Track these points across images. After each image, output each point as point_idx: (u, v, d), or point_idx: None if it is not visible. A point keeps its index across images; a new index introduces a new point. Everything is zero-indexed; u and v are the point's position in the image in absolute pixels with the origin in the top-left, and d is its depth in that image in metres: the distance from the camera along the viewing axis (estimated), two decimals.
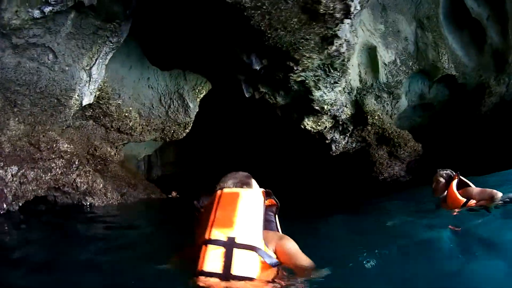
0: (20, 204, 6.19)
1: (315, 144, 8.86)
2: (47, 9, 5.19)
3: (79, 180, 7.06)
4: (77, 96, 6.58)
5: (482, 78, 8.45)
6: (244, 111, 11.28)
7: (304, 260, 1.96)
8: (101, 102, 7.39)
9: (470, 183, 4.38)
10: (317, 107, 7.56)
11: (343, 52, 6.48)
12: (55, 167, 6.60)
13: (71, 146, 6.95)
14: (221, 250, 1.83)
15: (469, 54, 8.53)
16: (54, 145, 6.55)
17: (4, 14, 4.94)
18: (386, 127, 8.29)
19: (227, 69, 7.73)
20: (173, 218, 6.49)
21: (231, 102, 10.65)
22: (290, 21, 5.59)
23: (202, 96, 8.78)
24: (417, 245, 2.99)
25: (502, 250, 2.60)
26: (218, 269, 1.80)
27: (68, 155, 6.81)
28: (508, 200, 3.95)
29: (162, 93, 8.52)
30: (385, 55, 7.98)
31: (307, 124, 7.97)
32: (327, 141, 8.46)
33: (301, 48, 6.12)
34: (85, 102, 6.81)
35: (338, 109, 7.85)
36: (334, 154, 8.61)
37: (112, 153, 8.13)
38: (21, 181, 6.12)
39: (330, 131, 8.35)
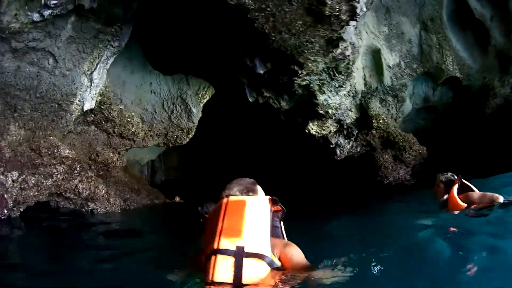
0: (22, 210, 6.14)
1: (319, 148, 8.77)
2: (47, 13, 5.14)
3: (81, 186, 7.00)
4: (78, 101, 6.53)
5: (486, 80, 8.36)
6: (248, 116, 11.20)
7: (307, 267, 1.97)
8: (102, 107, 7.30)
9: (473, 187, 4.31)
10: (321, 111, 7.49)
11: (348, 55, 6.41)
12: (56, 173, 6.53)
13: (73, 152, 6.88)
14: (231, 260, 1.83)
15: (473, 55, 8.45)
16: (55, 151, 6.49)
17: (3, 17, 4.90)
18: (391, 130, 8.21)
19: (231, 74, 7.67)
20: (177, 224, 6.43)
21: (235, 107, 10.59)
22: (295, 24, 5.51)
23: (205, 101, 8.72)
24: (418, 246, 3.01)
25: (502, 251, 2.61)
26: (229, 278, 1.80)
27: (70, 161, 6.74)
28: (510, 202, 3.91)
29: (164, 98, 8.45)
30: (389, 58, 7.90)
31: (312, 129, 7.90)
32: (331, 146, 8.38)
33: (305, 51, 6.04)
34: (87, 107, 6.75)
35: (342, 113, 7.78)
36: (338, 158, 8.52)
37: (115, 159, 8.03)
38: (22, 186, 6.06)
39: (335, 136, 8.27)
